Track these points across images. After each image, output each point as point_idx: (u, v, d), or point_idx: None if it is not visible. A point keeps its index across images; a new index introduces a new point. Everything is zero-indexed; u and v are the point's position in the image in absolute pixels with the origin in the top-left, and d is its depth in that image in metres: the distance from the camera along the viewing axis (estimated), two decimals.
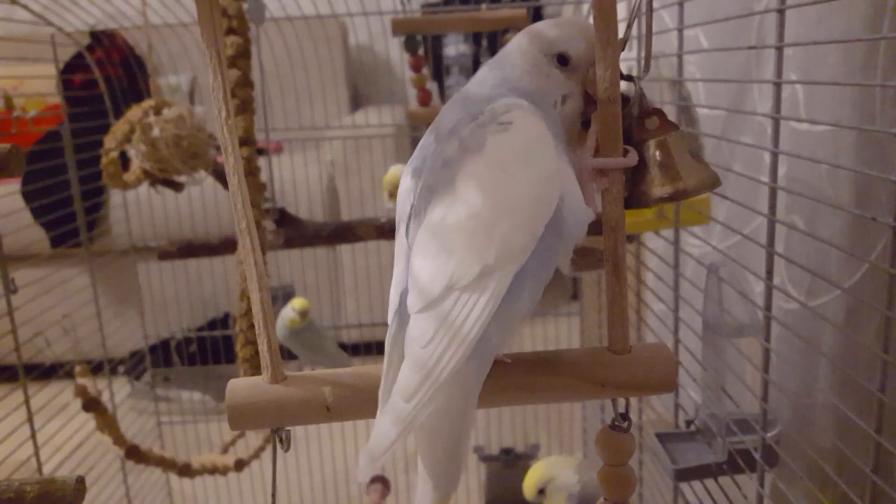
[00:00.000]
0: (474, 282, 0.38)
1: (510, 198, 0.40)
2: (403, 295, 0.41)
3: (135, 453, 1.12)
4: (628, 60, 1.13)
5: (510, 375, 0.41)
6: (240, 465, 1.19)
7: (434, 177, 0.41)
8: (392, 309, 0.42)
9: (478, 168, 0.41)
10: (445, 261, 0.39)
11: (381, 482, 1.35)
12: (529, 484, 0.94)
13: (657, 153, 0.44)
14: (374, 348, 1.62)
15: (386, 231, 1.25)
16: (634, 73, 0.45)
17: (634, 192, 0.44)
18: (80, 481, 0.51)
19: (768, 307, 0.71)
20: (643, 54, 0.47)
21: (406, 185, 0.44)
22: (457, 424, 0.41)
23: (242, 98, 0.91)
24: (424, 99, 0.97)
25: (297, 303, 1.20)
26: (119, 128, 1.08)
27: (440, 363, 0.37)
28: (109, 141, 1.09)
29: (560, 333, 1.56)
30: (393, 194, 1.21)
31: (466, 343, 0.37)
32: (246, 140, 0.93)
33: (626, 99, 0.44)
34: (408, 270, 0.41)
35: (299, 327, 1.16)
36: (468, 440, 0.41)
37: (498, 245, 0.39)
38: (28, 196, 1.64)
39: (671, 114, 0.97)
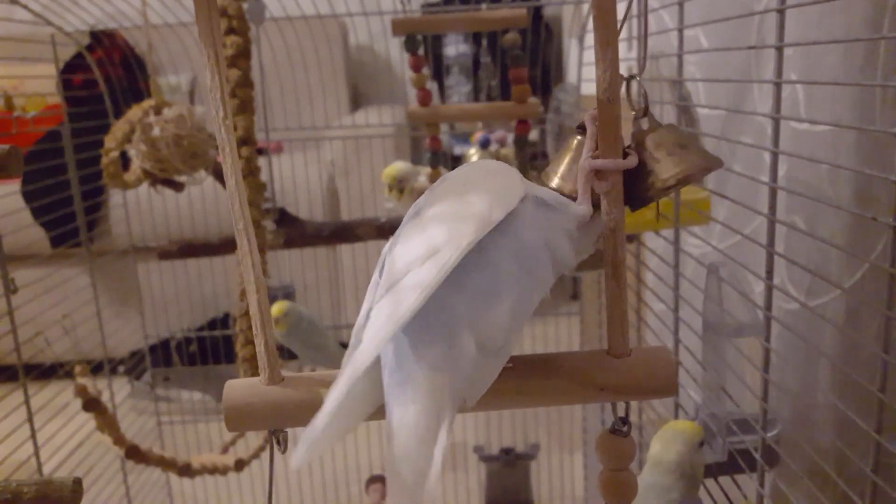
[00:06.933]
0: (424, 259, 0.37)
1: (467, 198, 0.41)
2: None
3: (135, 453, 1.12)
4: (628, 60, 1.12)
5: (507, 378, 0.41)
6: (240, 465, 1.19)
7: (402, 227, 0.43)
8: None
9: (438, 194, 0.42)
10: (405, 259, 0.38)
11: (381, 482, 1.34)
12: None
13: (652, 149, 0.44)
14: None
15: (386, 231, 1.25)
16: (631, 74, 0.45)
17: (634, 192, 0.44)
18: (77, 482, 0.51)
19: (768, 307, 0.70)
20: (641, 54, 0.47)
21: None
22: (423, 446, 0.35)
23: (242, 98, 0.91)
24: (424, 99, 0.97)
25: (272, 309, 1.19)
26: (119, 128, 1.08)
27: (393, 316, 0.35)
28: (109, 141, 1.09)
29: (560, 333, 1.55)
30: (393, 188, 1.21)
31: (412, 299, 0.35)
32: (246, 140, 0.93)
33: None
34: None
35: (283, 330, 1.16)
36: (438, 467, 0.34)
37: (448, 228, 0.39)
38: (28, 196, 1.65)
39: (671, 114, 0.98)
